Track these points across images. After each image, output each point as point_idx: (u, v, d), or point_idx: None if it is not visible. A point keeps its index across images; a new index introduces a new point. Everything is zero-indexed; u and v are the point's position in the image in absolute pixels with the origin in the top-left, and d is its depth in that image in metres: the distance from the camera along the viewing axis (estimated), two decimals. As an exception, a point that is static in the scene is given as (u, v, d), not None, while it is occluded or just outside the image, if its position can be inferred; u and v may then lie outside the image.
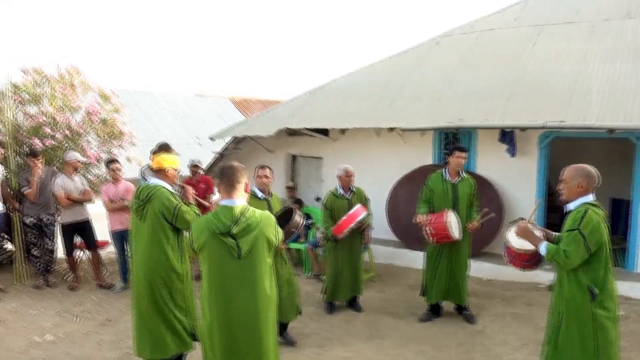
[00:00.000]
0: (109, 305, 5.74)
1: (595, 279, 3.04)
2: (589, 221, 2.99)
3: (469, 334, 4.86)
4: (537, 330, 4.80)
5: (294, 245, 7.24)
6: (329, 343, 4.68)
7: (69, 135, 7.08)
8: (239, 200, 2.89)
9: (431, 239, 4.83)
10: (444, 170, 5.10)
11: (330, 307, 5.50)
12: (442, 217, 4.78)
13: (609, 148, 8.53)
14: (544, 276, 6.03)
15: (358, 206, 5.24)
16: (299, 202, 7.52)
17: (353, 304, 5.56)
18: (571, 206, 3.18)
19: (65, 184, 6.19)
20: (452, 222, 4.79)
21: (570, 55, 7.28)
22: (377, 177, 7.91)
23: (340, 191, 5.35)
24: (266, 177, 4.48)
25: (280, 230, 3.02)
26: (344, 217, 5.11)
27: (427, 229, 4.81)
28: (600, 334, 3.01)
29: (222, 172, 2.93)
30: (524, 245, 3.40)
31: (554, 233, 3.43)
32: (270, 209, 4.35)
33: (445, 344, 4.65)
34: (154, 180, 3.81)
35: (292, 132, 8.78)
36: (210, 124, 14.85)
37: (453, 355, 4.41)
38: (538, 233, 3.40)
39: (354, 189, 5.44)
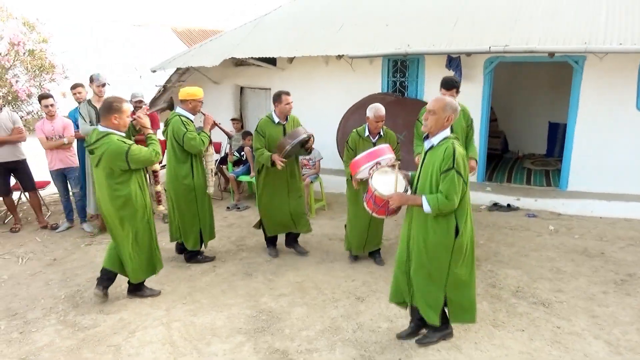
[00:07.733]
0: (53, 245, 5.59)
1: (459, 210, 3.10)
2: (459, 157, 3.00)
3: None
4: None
5: (244, 178, 7.21)
6: (281, 270, 4.80)
7: (-8, 69, 6.54)
8: (103, 127, 3.77)
9: None
10: None
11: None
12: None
13: (550, 74, 8.79)
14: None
15: (383, 146, 4.13)
16: (248, 134, 7.39)
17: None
18: (434, 140, 3.10)
19: None
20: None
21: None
22: (327, 107, 7.85)
23: (367, 133, 4.71)
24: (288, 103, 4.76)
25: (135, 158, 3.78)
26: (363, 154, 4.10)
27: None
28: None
29: (103, 103, 3.80)
30: (385, 189, 3.28)
31: (409, 172, 3.41)
32: (285, 132, 4.80)
33: (391, 263, 4.88)
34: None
35: (238, 63, 8.45)
36: (151, 56, 14.01)
37: (399, 274, 4.64)
38: (401, 177, 3.33)
39: (383, 132, 4.71)
